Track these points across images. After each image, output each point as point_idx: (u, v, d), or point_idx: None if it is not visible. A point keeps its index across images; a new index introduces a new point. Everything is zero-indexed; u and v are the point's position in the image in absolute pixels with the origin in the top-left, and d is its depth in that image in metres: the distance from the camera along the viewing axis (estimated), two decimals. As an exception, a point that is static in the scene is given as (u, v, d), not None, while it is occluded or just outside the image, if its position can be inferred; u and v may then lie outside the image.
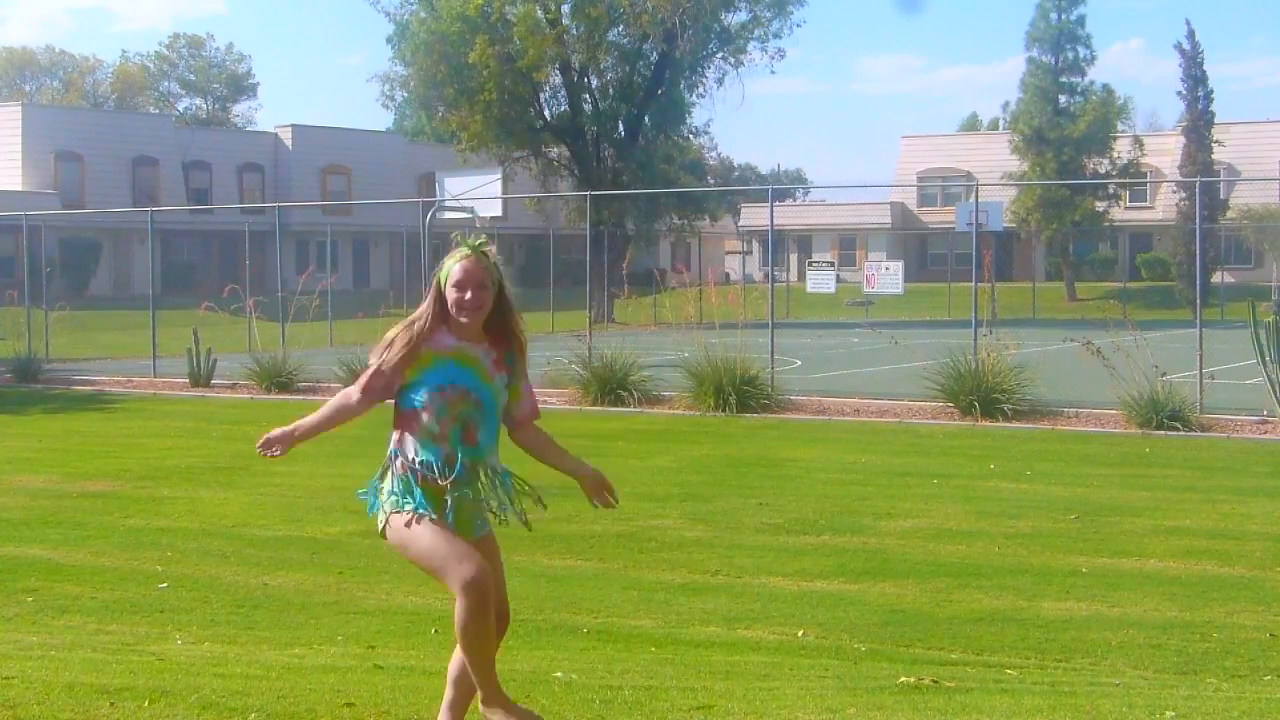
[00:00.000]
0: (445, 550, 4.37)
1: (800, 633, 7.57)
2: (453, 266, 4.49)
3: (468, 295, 4.45)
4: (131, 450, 15.81)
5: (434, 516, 4.42)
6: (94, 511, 11.60)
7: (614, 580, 8.91)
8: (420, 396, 4.46)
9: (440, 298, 4.51)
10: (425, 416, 4.45)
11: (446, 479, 4.43)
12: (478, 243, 4.53)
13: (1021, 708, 5.20)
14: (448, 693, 4.60)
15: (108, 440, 16.95)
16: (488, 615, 4.34)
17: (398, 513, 4.46)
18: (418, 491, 4.45)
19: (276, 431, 4.55)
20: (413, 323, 4.51)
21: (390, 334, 4.51)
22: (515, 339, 4.58)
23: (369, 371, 4.53)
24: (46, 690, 5.04)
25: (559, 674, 5.69)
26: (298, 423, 4.59)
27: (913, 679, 5.84)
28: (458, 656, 4.51)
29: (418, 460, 4.46)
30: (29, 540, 10.38)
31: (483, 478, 4.51)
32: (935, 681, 5.82)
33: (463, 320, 4.46)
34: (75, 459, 15.04)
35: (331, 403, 4.62)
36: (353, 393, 4.56)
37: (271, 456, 4.59)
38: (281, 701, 4.98)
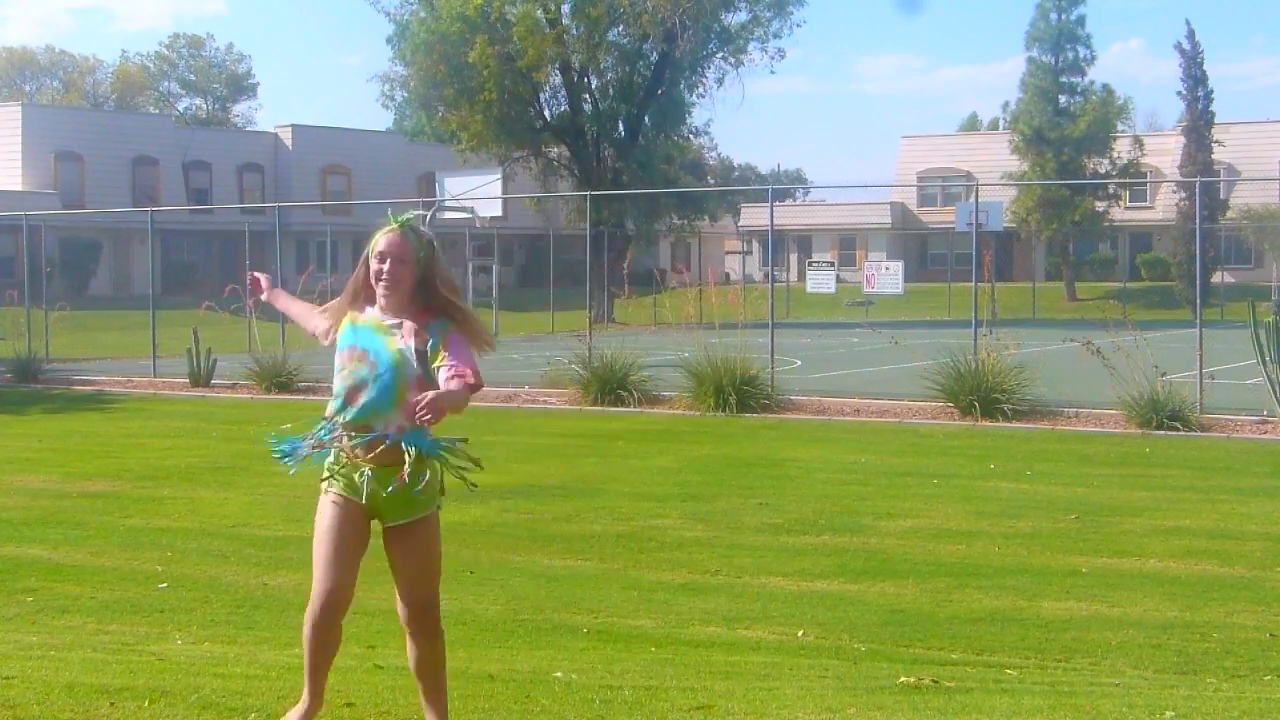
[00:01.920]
0: (318, 552, 4.45)
1: (800, 633, 7.57)
2: (378, 239, 4.52)
3: (385, 266, 4.46)
4: (131, 450, 15.81)
5: (338, 491, 4.44)
6: (94, 511, 11.59)
7: (614, 580, 8.91)
8: (337, 355, 4.57)
9: (366, 269, 4.58)
10: (335, 377, 4.55)
11: (319, 432, 4.52)
12: (405, 217, 4.54)
13: (1021, 708, 5.20)
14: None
15: (108, 440, 16.94)
16: (320, 630, 4.44)
17: (324, 479, 4.54)
18: (332, 451, 4.51)
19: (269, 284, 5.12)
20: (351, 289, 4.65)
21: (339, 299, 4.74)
22: (449, 311, 4.48)
23: (329, 305, 4.81)
24: (46, 690, 5.04)
25: (559, 674, 5.68)
26: (288, 299, 5.08)
27: (913, 679, 5.84)
28: (412, 652, 4.56)
29: (327, 413, 4.54)
30: (29, 540, 10.38)
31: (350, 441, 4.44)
32: (935, 681, 5.82)
33: (380, 291, 4.47)
34: (75, 459, 15.04)
35: (312, 309, 4.93)
36: (320, 325, 4.79)
37: (254, 288, 5.12)
38: (281, 702, 4.98)
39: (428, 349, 4.41)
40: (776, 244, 29.15)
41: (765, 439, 16.41)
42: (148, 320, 26.16)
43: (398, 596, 4.49)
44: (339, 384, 4.49)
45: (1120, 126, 58.01)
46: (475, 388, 4.33)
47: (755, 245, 65.97)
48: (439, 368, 4.37)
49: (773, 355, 19.97)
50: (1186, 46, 50.96)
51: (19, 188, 51.71)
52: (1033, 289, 52.43)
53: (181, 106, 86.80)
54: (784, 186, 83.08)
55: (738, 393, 18.60)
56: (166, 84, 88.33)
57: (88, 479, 13.50)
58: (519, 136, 45.71)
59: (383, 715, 4.87)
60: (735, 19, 46.49)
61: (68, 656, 6.29)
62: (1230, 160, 55.64)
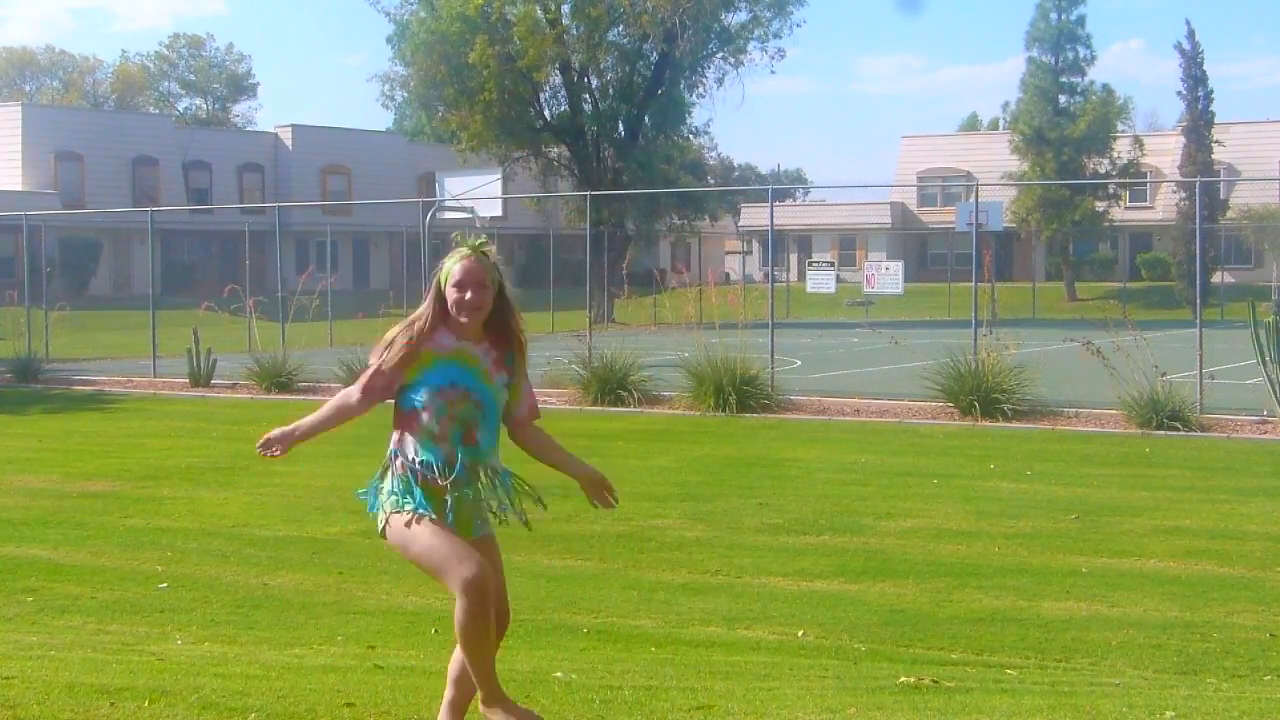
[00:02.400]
0: (445, 550, 4.37)
1: (800, 633, 7.57)
2: (453, 266, 4.48)
3: (467, 295, 4.44)
4: (131, 450, 15.81)
5: (434, 516, 4.41)
6: (94, 511, 11.60)
7: (614, 580, 8.91)
8: (420, 397, 4.46)
9: (440, 297, 4.51)
10: (425, 416, 4.45)
11: (446, 479, 4.43)
12: (478, 242, 4.53)
13: (1021, 708, 5.20)
14: (448, 692, 4.60)
15: (108, 440, 16.95)
16: (487, 616, 4.33)
17: (398, 512, 4.46)
18: (417, 491, 4.44)
19: (276, 431, 4.54)
20: (412, 323, 4.51)
21: (390, 334, 4.51)
22: (515, 339, 4.58)
23: (369, 371, 4.53)
24: (46, 690, 5.04)
25: (559, 674, 5.69)
26: (298, 423, 4.57)
27: (913, 679, 5.85)
28: (457, 656, 4.51)
29: (418, 460, 4.46)
30: (29, 540, 10.39)
31: (483, 478, 4.51)
32: (935, 681, 5.82)
33: (462, 320, 4.45)
34: (75, 459, 15.04)
35: (331, 402, 4.62)
36: (353, 393, 4.55)
37: (271, 456, 4.57)
38: (281, 701, 4.98)
39: (505, 384, 4.55)
40: (776, 244, 29.16)
41: (765, 439, 16.41)
42: (148, 320, 26.16)
43: None
44: (449, 426, 4.45)
45: (1120, 126, 58.01)
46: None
47: (755, 245, 65.98)
48: (515, 403, 4.59)
49: (773, 355, 19.97)
50: (1186, 46, 50.96)
51: (19, 188, 51.71)
52: (1033, 289, 52.43)
53: (181, 106, 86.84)
54: (784, 186, 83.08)
55: (738, 393, 18.60)
56: (166, 84, 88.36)
57: (88, 479, 13.50)
58: (519, 136, 45.70)
59: (383, 715, 4.87)
60: (735, 19, 46.52)
61: (68, 656, 6.29)
62: (1230, 160, 55.64)
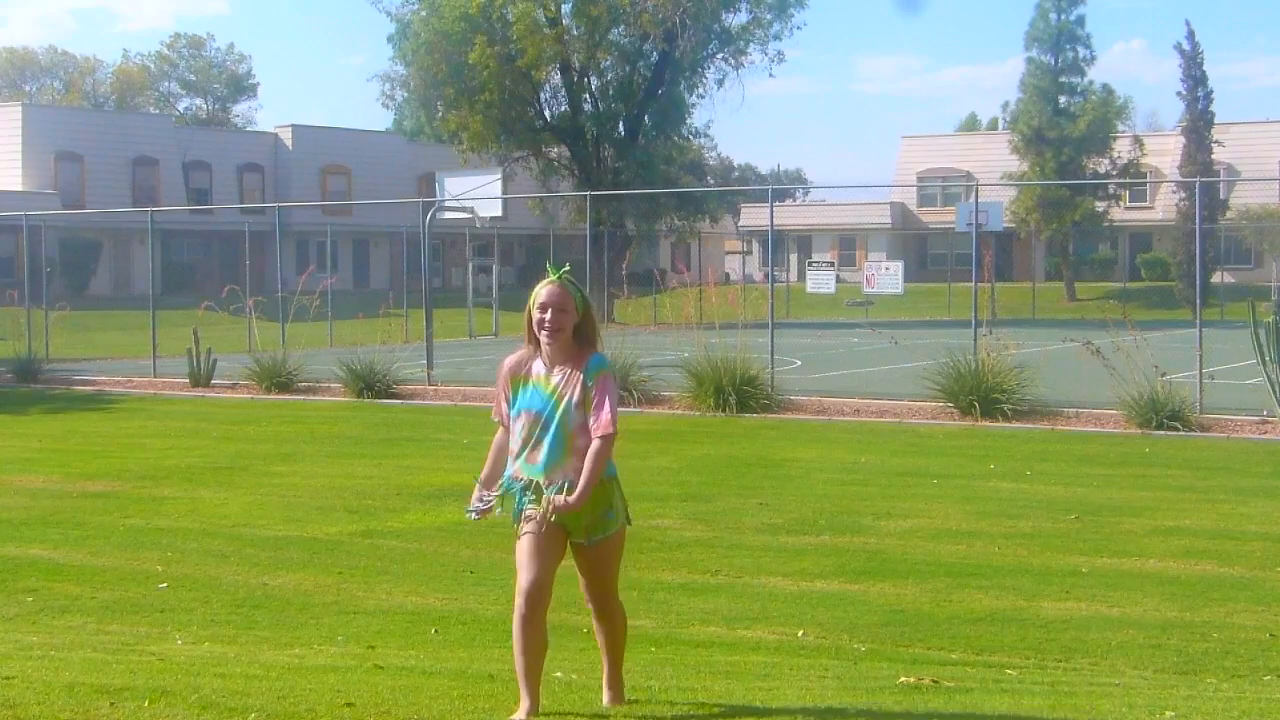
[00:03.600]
0: (521, 559, 4.97)
1: (800, 633, 7.57)
2: (539, 291, 5.02)
3: (547, 316, 4.97)
4: (131, 450, 15.81)
5: (524, 527, 4.98)
6: (94, 511, 11.59)
7: (614, 580, 8.90)
8: (512, 416, 5.11)
9: (530, 323, 5.05)
10: (508, 436, 5.13)
11: (506, 491, 5.05)
12: (562, 270, 5.05)
13: (1021, 708, 5.20)
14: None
15: (108, 440, 16.94)
16: (529, 624, 4.87)
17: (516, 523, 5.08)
18: (512, 503, 5.06)
19: (476, 506, 5.16)
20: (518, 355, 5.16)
21: (504, 360, 5.21)
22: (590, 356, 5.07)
23: (495, 397, 5.24)
24: (46, 690, 5.04)
25: (559, 674, 5.68)
26: (481, 479, 5.18)
27: (913, 679, 5.85)
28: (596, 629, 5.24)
29: (506, 474, 5.12)
30: (29, 540, 10.38)
31: (541, 490, 5.01)
32: (935, 681, 5.82)
33: (543, 339, 4.98)
34: (75, 459, 15.04)
35: (492, 447, 5.23)
36: (499, 431, 5.21)
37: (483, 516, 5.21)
38: (281, 701, 4.98)
39: (584, 399, 5.01)
40: (776, 244, 29.16)
41: (765, 439, 16.40)
42: (148, 320, 26.16)
43: (583, 590, 5.18)
44: (519, 446, 5.07)
45: (1120, 126, 58.00)
46: (611, 439, 4.99)
47: (755, 245, 65.98)
48: (590, 416, 5.01)
49: (772, 355, 19.96)
50: (1186, 47, 50.98)
51: (19, 188, 51.71)
52: (1033, 289, 52.42)
53: (182, 106, 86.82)
54: (784, 186, 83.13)
55: (738, 393, 18.60)
56: (167, 84, 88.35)
57: (88, 479, 13.50)
58: (519, 136, 45.70)
59: (383, 715, 4.87)
60: (735, 20, 46.51)
61: (68, 656, 6.29)
62: (1230, 160, 55.64)
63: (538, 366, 5.05)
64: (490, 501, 5.11)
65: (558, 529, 4.98)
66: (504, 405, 5.14)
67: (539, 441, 4.99)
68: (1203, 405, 17.01)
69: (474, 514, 5.16)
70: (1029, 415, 17.43)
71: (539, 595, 4.86)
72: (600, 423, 4.96)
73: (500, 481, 5.09)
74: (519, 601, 4.89)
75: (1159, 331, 23.92)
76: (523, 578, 4.89)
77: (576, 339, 5.02)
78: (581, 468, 4.94)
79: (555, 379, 5.00)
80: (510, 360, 5.15)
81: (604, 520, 5.04)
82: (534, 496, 5.00)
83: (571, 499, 4.95)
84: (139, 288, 46.49)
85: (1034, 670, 6.68)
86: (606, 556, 5.09)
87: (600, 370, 5.00)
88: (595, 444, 4.95)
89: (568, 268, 5.08)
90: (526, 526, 4.98)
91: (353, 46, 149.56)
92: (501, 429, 5.18)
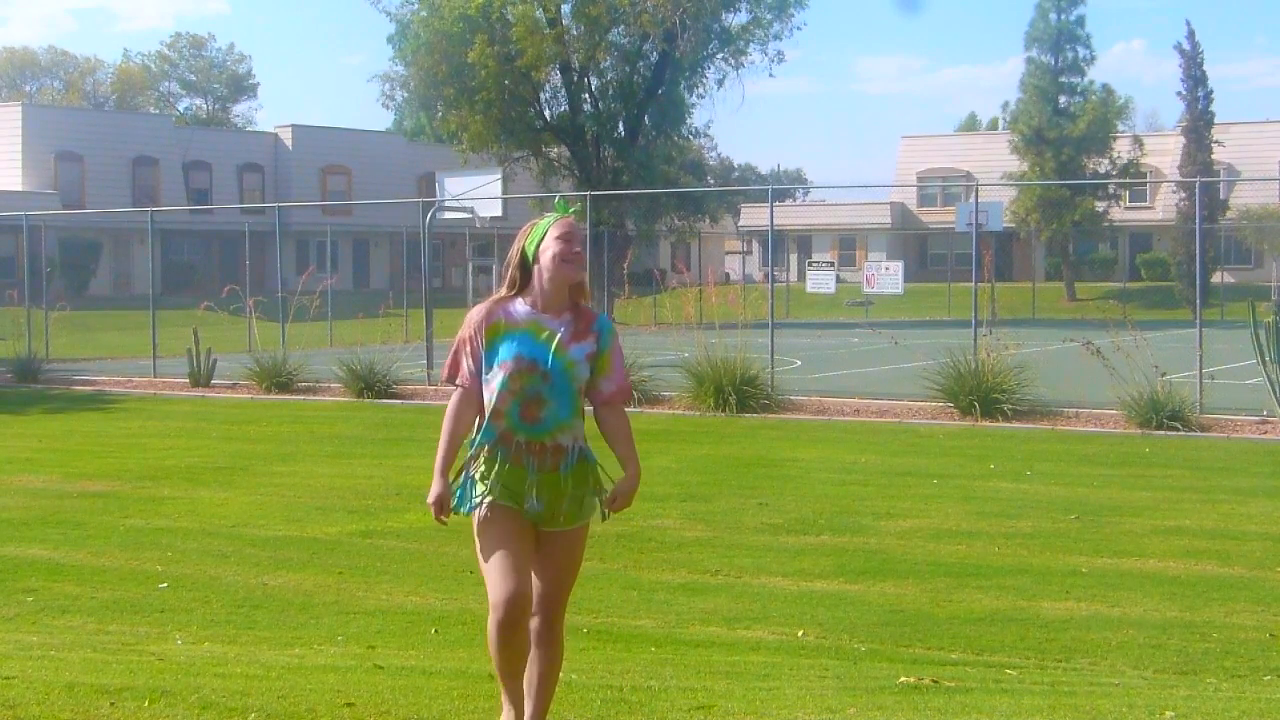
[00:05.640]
0: (499, 562, 4.38)
1: (800, 633, 7.57)
2: (548, 225, 4.42)
3: (576, 248, 4.37)
4: (131, 450, 15.81)
5: (487, 512, 4.37)
6: (94, 511, 11.59)
7: (614, 580, 8.91)
8: (489, 371, 4.38)
9: (524, 264, 4.42)
10: (488, 393, 4.36)
11: (489, 457, 4.37)
12: (573, 209, 4.52)
13: (1021, 708, 5.20)
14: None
15: (108, 440, 16.94)
16: (516, 630, 4.33)
17: (474, 509, 4.44)
18: (473, 484, 4.41)
19: (439, 499, 4.46)
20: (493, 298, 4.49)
21: (470, 313, 4.50)
22: (587, 311, 4.48)
23: (454, 350, 4.45)
24: (46, 690, 5.04)
25: (559, 674, 5.68)
26: (436, 468, 4.44)
27: (913, 679, 5.85)
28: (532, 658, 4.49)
29: (473, 442, 4.39)
30: (29, 540, 10.38)
31: (549, 460, 4.38)
32: (935, 681, 5.82)
33: (567, 272, 4.34)
34: (75, 459, 15.04)
35: (446, 418, 4.46)
36: (455, 397, 4.47)
37: (445, 522, 4.54)
38: (281, 701, 4.98)
39: (596, 354, 4.42)
40: (776, 244, 29.15)
41: (765, 439, 16.40)
42: (148, 320, 26.16)
43: (535, 598, 4.48)
44: (507, 401, 4.33)
45: (1120, 126, 58.00)
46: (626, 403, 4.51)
47: (755, 245, 65.96)
48: (601, 378, 4.45)
49: (772, 355, 19.97)
50: (1186, 47, 50.95)
51: (19, 188, 51.71)
52: (1033, 289, 52.43)
53: (182, 106, 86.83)
54: (784, 186, 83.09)
55: (738, 393, 18.60)
56: (167, 84, 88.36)
57: (88, 479, 13.50)
58: (519, 136, 45.70)
59: (383, 715, 4.87)
60: (735, 20, 46.51)
61: (68, 656, 6.29)
62: (1230, 160, 55.64)
63: (519, 311, 4.39)
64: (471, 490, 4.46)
65: (526, 523, 4.43)
66: (469, 362, 4.41)
67: (538, 396, 4.32)
68: (1203, 405, 17.01)
69: (444, 517, 4.51)
70: (1029, 415, 17.43)
71: (524, 602, 4.34)
72: (622, 387, 4.47)
73: (496, 448, 4.39)
74: (501, 612, 4.30)
75: (1159, 331, 23.91)
76: (504, 584, 4.30)
77: (570, 295, 4.45)
78: (581, 432, 4.42)
79: (550, 327, 4.36)
80: (479, 310, 4.46)
81: (589, 502, 4.49)
82: (505, 488, 4.35)
83: (630, 482, 4.46)
84: (139, 288, 46.51)
85: (1034, 670, 6.68)
86: (578, 547, 4.53)
87: (614, 332, 4.49)
88: (620, 414, 4.49)
89: (576, 206, 4.72)
90: (499, 523, 4.36)
91: (353, 46, 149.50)
92: (460, 392, 4.43)
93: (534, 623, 4.46)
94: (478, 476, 4.41)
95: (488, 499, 4.38)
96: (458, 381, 4.44)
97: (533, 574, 4.47)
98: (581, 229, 4.55)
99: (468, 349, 4.41)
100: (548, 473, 4.39)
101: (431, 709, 4.96)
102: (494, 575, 4.35)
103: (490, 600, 4.33)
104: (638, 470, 4.52)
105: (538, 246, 4.41)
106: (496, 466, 4.38)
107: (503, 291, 4.45)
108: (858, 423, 17.82)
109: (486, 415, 4.38)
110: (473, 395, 4.42)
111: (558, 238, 4.36)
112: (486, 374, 4.38)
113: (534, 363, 4.32)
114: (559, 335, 4.35)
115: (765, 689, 5.52)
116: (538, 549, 4.47)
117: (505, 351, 4.34)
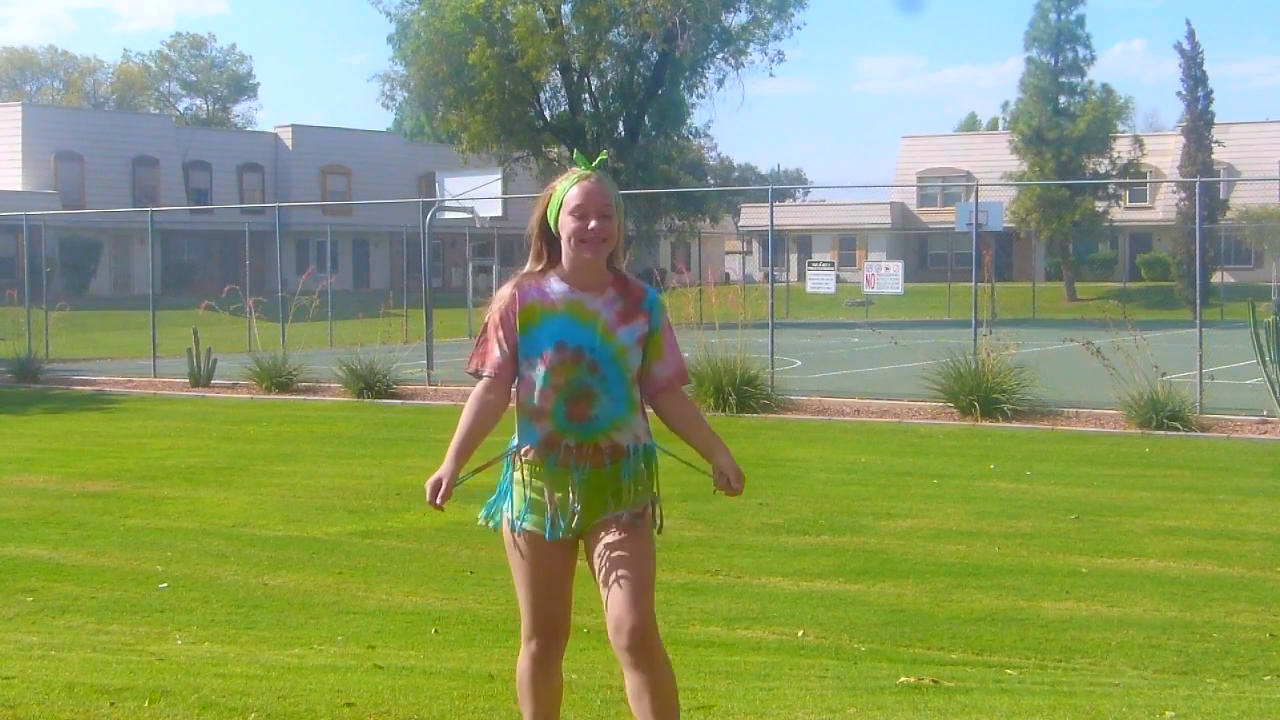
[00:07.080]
0: (540, 590, 3.80)
1: (800, 633, 7.57)
2: (568, 190, 3.70)
3: (591, 224, 3.66)
4: (131, 450, 15.81)
5: (526, 530, 3.78)
6: (94, 511, 11.59)
7: (614, 580, 8.89)
8: (525, 364, 3.72)
9: (548, 234, 3.74)
10: (525, 390, 3.73)
11: (533, 462, 3.73)
12: (597, 161, 3.82)
13: (1021, 708, 5.20)
14: None
15: (108, 440, 16.94)
16: (552, 664, 3.82)
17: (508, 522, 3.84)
18: (513, 494, 3.79)
19: (439, 480, 3.78)
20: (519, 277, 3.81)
21: (499, 292, 3.83)
22: (633, 283, 3.81)
23: (482, 336, 3.79)
24: (46, 690, 5.04)
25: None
26: (450, 452, 3.77)
27: (913, 679, 5.85)
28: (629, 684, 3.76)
29: (512, 445, 3.78)
30: (29, 540, 10.38)
31: (605, 460, 3.76)
32: (935, 681, 5.82)
33: (586, 256, 3.67)
34: (75, 459, 15.04)
35: (467, 408, 3.80)
36: (479, 386, 3.79)
37: (438, 507, 3.82)
38: (281, 701, 4.98)
39: (648, 335, 3.76)
40: (776, 244, 29.13)
41: (765, 439, 16.40)
42: (148, 320, 26.15)
43: (610, 621, 3.77)
44: (551, 399, 3.68)
45: (1120, 126, 58.01)
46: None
47: (755, 245, 65.96)
48: (654, 362, 3.80)
49: (772, 355, 19.96)
50: (1186, 47, 50.96)
51: (19, 188, 51.70)
52: (1033, 289, 52.43)
53: (182, 106, 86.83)
54: (784, 186, 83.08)
55: (738, 393, 18.59)
56: (167, 84, 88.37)
57: (88, 479, 13.50)
58: (519, 137, 45.71)
59: (383, 715, 4.87)
60: (735, 20, 46.53)
61: (68, 656, 6.29)
62: (1230, 160, 55.64)
63: (555, 290, 3.70)
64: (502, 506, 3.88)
65: (567, 542, 3.84)
66: (502, 349, 3.73)
67: (587, 390, 3.67)
68: (1203, 405, 17.00)
69: (440, 499, 3.78)
70: (1029, 415, 17.43)
71: (563, 630, 3.82)
72: (679, 370, 3.85)
73: (542, 452, 3.72)
74: (535, 641, 3.77)
75: (1159, 331, 23.90)
76: (541, 610, 3.75)
77: (610, 265, 3.75)
78: (645, 426, 3.79)
79: (593, 307, 3.68)
80: (507, 287, 3.77)
81: (646, 482, 3.87)
82: (531, 511, 3.75)
83: (729, 459, 3.92)
84: (139, 288, 46.50)
85: (1034, 670, 6.68)
86: (648, 538, 3.81)
87: (664, 307, 3.84)
88: (682, 397, 3.90)
89: (604, 156, 3.89)
90: (535, 542, 3.77)
91: (353, 46, 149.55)
92: (485, 383, 3.74)
93: (620, 641, 3.69)
94: (523, 487, 3.80)
95: (523, 526, 3.80)
96: (485, 372, 3.75)
97: (599, 589, 3.82)
98: (606, 190, 3.68)
99: (500, 333, 3.72)
100: (595, 469, 3.76)
101: (431, 709, 4.96)
102: (535, 596, 3.80)
103: (523, 629, 3.82)
104: (727, 449, 3.96)
105: (558, 215, 3.74)
106: (544, 475, 3.76)
107: (529, 265, 3.77)
108: (858, 423, 17.81)
109: (525, 416, 3.75)
110: (503, 385, 3.76)
111: (571, 212, 3.67)
112: (522, 365, 3.73)
113: (579, 351, 3.68)
114: (604, 317, 3.70)
115: (765, 689, 5.52)
116: (591, 554, 3.85)
117: (544, 339, 3.68)
